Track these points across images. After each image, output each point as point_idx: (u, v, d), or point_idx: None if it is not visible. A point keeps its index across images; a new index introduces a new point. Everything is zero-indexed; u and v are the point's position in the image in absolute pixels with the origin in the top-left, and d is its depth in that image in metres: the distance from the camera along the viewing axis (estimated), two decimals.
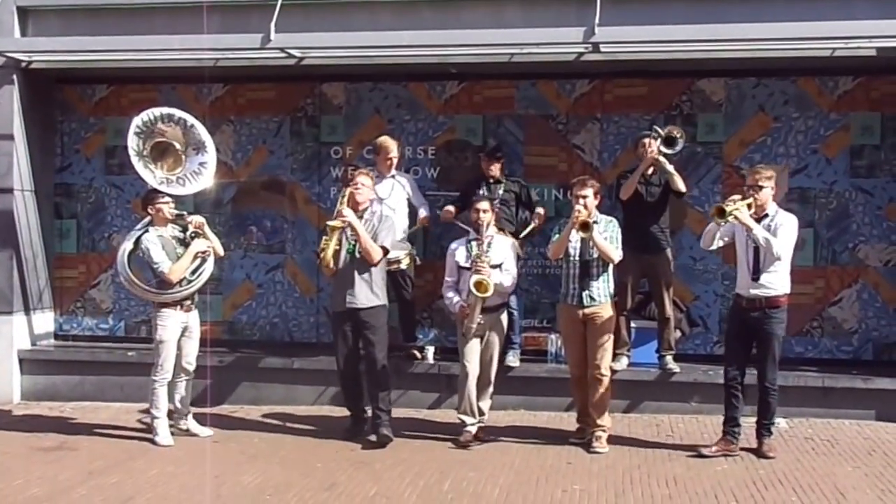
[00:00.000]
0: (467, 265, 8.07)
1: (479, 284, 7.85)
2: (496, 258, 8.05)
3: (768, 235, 7.42)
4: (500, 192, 9.15)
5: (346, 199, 8.05)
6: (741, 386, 7.74)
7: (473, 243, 8.12)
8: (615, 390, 8.04)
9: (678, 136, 8.57)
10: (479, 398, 8.17)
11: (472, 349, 8.13)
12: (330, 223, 8.02)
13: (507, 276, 8.12)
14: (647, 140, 8.72)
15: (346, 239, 8.08)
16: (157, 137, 8.34)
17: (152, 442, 8.22)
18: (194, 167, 8.43)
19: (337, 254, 8.05)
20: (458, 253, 8.20)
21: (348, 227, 7.98)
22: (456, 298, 8.16)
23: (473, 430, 8.13)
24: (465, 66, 9.49)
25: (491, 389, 8.26)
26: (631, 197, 8.74)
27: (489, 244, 8.06)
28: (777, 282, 7.55)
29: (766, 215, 7.57)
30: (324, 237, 8.15)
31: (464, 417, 8.15)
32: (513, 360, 9.13)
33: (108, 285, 10.70)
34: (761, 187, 7.52)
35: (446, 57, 9.26)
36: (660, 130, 8.65)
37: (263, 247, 10.45)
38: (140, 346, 10.05)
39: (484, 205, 8.17)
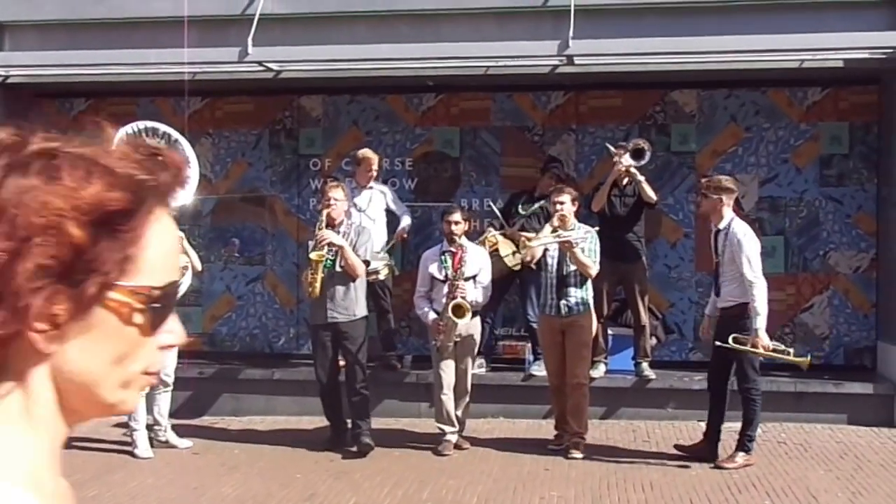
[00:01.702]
0: (440, 277, 8.11)
1: (457, 308, 7.91)
2: (470, 270, 8.09)
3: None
4: (535, 206, 9.10)
5: (324, 222, 8.05)
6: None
7: (447, 255, 8.13)
8: (592, 397, 8.14)
9: (645, 147, 8.73)
10: (456, 407, 8.25)
11: (446, 358, 8.18)
12: (312, 256, 7.97)
13: (479, 291, 8.12)
14: (614, 153, 8.83)
15: (326, 254, 8.10)
16: None
17: (132, 454, 8.22)
18: None
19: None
20: (432, 265, 8.20)
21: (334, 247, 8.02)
22: (427, 308, 8.18)
23: (452, 438, 8.21)
24: (441, 78, 9.61)
25: (468, 399, 8.32)
26: (606, 207, 8.86)
27: (463, 257, 8.08)
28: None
29: (720, 228, 7.58)
30: (308, 270, 8.08)
31: (442, 427, 8.22)
32: (538, 369, 9.02)
33: None
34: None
35: (423, 70, 9.37)
36: (611, 148, 8.76)
37: (243, 259, 10.51)
38: None
39: (455, 216, 8.16)
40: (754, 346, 7.44)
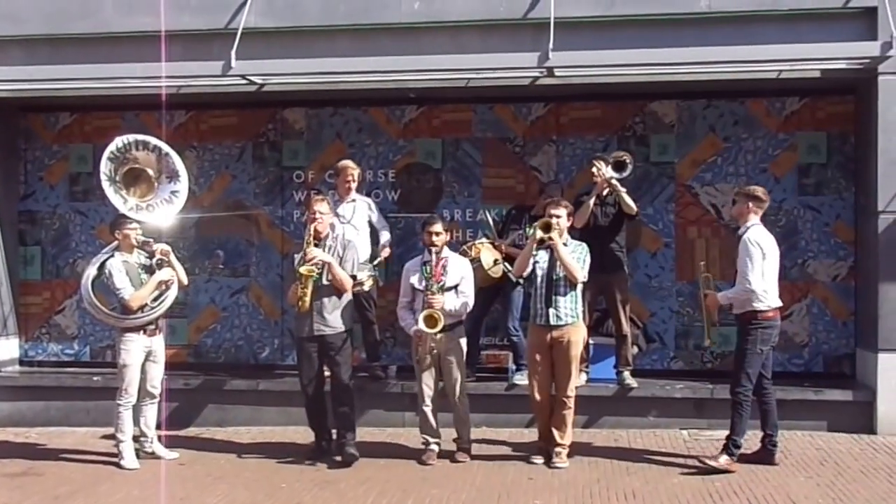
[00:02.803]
0: (420, 287, 8.14)
1: (428, 319, 7.95)
2: (451, 280, 8.13)
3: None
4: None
5: (311, 238, 8.07)
6: (752, 398, 7.88)
7: (428, 265, 8.14)
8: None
9: (627, 160, 8.83)
10: (455, 423, 8.29)
11: (427, 369, 8.22)
12: (302, 270, 7.99)
13: (459, 301, 8.13)
14: (595, 165, 8.91)
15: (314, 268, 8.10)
16: (131, 164, 8.40)
17: (118, 466, 8.25)
18: (165, 195, 8.48)
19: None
20: (413, 276, 8.21)
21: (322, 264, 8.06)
22: (410, 319, 8.22)
23: (436, 448, 8.24)
24: (423, 90, 9.64)
25: (462, 412, 8.29)
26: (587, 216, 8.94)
27: (444, 267, 8.12)
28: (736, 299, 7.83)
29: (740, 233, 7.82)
30: (297, 285, 8.10)
31: (426, 437, 8.27)
32: (521, 379, 9.10)
33: (73, 311, 10.75)
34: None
35: (405, 82, 9.42)
36: (596, 164, 8.86)
37: (228, 270, 10.54)
38: (106, 370, 10.05)
39: (436, 226, 8.17)
40: (709, 304, 7.87)
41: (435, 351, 8.13)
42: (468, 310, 8.28)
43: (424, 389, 8.22)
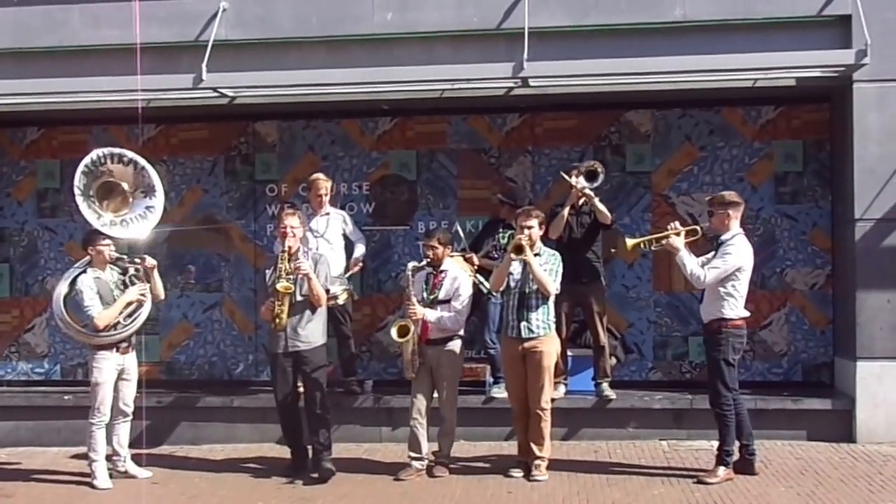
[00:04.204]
0: (416, 295, 8.13)
1: (401, 328, 7.98)
2: (443, 294, 8.10)
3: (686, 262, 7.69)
4: (507, 238, 8.94)
5: (286, 254, 7.98)
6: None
7: (430, 276, 8.18)
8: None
9: (599, 169, 8.81)
10: (438, 435, 8.20)
11: (418, 383, 8.16)
12: (279, 287, 7.89)
13: (449, 315, 8.07)
14: (567, 176, 8.87)
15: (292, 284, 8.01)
16: (105, 177, 8.27)
17: (91, 486, 8.11)
18: (140, 210, 8.35)
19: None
20: (417, 285, 8.18)
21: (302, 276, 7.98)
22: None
23: (418, 465, 8.12)
24: (397, 102, 9.59)
25: (447, 426, 8.20)
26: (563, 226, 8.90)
27: (441, 281, 8.11)
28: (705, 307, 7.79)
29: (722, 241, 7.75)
30: (272, 301, 7.99)
31: (410, 454, 8.16)
32: (498, 392, 9.07)
33: (43, 329, 10.60)
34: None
35: (378, 94, 9.38)
36: (566, 176, 8.83)
37: (200, 285, 10.42)
38: (77, 389, 9.91)
39: (432, 241, 8.17)
40: (673, 241, 7.72)
41: (422, 364, 8.07)
42: (458, 325, 8.17)
43: (414, 402, 8.14)
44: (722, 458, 7.77)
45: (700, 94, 9.29)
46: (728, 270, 7.60)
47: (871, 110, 8.83)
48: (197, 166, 10.46)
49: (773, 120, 9.79)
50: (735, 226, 7.75)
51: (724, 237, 7.73)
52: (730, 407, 7.71)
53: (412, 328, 7.96)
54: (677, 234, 7.77)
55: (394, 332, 8.02)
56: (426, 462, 8.17)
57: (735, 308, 7.67)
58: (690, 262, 7.68)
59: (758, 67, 8.73)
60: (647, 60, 8.65)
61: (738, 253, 7.64)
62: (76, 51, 9.54)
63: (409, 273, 8.14)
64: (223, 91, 9.27)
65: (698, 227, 7.96)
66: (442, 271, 8.16)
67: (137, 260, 8.20)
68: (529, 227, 7.89)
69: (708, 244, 8.00)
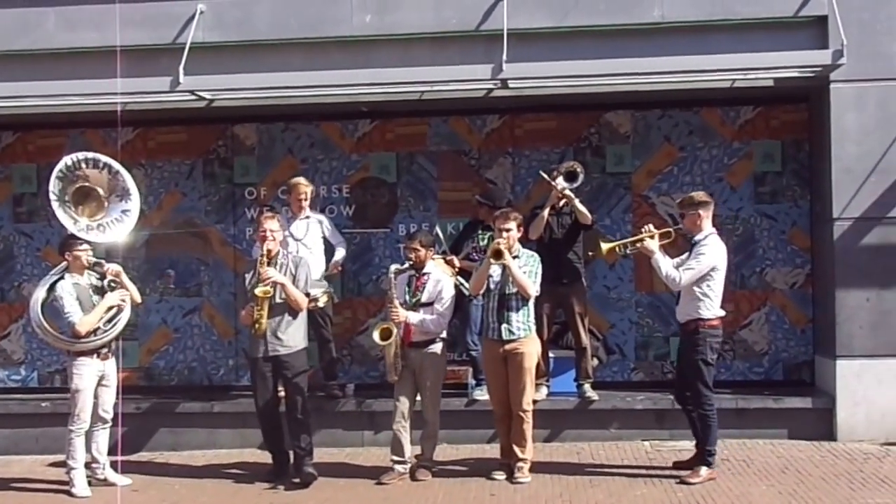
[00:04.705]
0: (399, 297, 8.10)
1: (383, 331, 7.95)
2: (425, 297, 8.07)
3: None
4: (487, 239, 8.90)
5: (265, 258, 7.95)
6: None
7: (412, 278, 8.16)
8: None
9: (578, 170, 8.81)
10: (421, 438, 8.16)
11: (401, 387, 8.13)
12: (258, 292, 7.85)
13: (431, 318, 8.05)
14: (547, 176, 8.87)
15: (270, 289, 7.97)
16: (80, 182, 8.20)
17: (69, 494, 8.02)
18: (116, 214, 8.28)
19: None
20: (399, 288, 8.15)
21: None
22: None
23: (401, 469, 8.08)
24: (376, 104, 9.58)
25: (430, 429, 8.17)
26: (543, 228, 8.89)
27: (423, 284, 8.09)
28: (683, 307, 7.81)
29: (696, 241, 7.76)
30: (252, 306, 7.95)
31: (393, 458, 8.12)
32: (481, 394, 9.04)
33: (20, 335, 10.49)
34: None
35: (358, 96, 9.36)
36: (545, 175, 8.82)
37: (179, 290, 10.35)
38: (54, 396, 9.80)
39: (413, 243, 8.15)
40: (647, 244, 7.73)
41: (404, 367, 8.05)
42: (441, 328, 8.14)
43: (396, 406, 8.11)
44: (704, 458, 7.79)
45: (679, 94, 9.31)
46: (703, 271, 7.62)
47: (848, 110, 8.87)
48: (175, 170, 10.39)
49: (752, 120, 9.82)
50: (707, 225, 7.76)
51: (697, 238, 7.74)
52: (711, 407, 7.73)
53: (395, 331, 7.94)
54: (651, 237, 7.80)
55: (376, 335, 8.00)
56: (409, 465, 8.13)
57: (711, 308, 7.70)
58: (665, 265, 7.69)
59: (736, 68, 8.75)
60: (627, 61, 8.66)
61: (712, 253, 7.66)
62: (51, 53, 9.44)
63: (392, 275, 8.11)
64: (201, 94, 9.21)
65: (671, 230, 7.98)
66: (424, 274, 8.13)
67: (99, 269, 8.12)
68: (507, 230, 7.87)
69: (686, 245, 8.00)
